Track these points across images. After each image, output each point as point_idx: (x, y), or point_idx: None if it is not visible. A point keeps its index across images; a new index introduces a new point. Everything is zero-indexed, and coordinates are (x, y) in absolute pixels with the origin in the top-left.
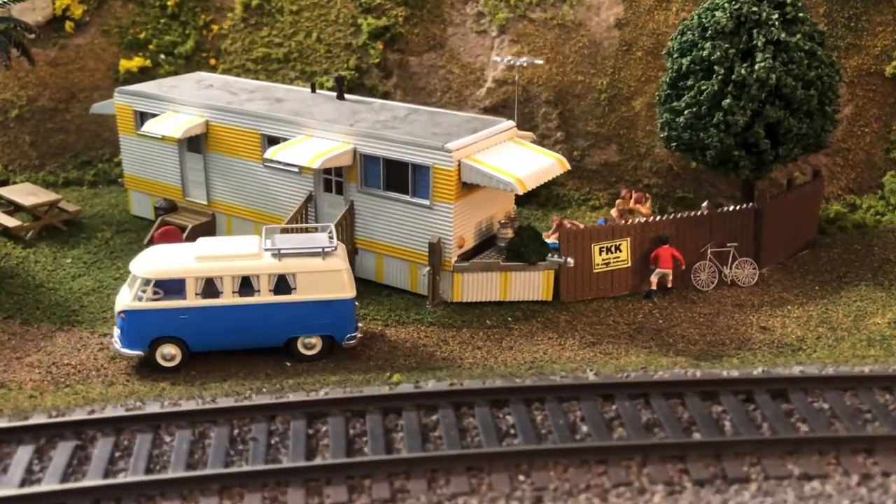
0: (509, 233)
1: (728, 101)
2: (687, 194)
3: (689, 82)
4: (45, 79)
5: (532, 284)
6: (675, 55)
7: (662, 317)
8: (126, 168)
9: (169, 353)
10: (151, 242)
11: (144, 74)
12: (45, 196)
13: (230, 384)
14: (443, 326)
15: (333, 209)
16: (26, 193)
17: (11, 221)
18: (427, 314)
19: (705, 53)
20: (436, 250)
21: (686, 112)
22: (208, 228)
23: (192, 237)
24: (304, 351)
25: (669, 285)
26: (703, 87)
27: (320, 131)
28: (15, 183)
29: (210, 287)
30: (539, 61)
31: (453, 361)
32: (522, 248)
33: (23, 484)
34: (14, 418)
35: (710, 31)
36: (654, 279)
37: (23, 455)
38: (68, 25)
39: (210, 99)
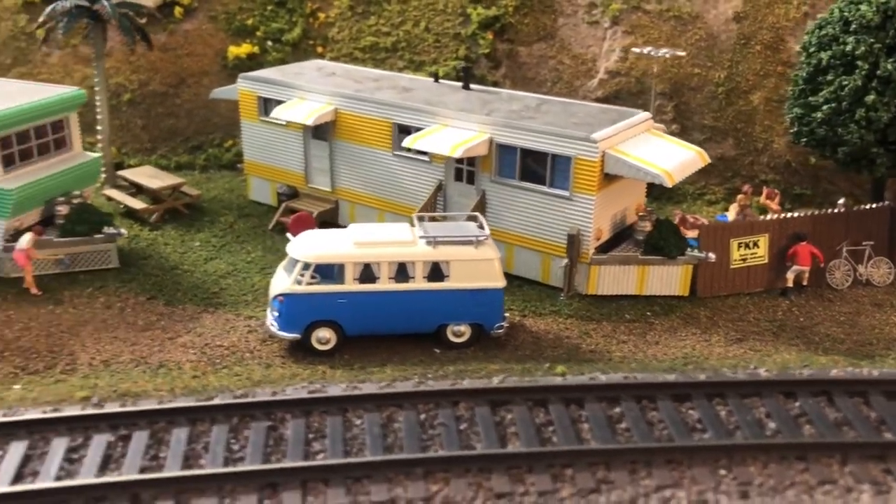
0: (647, 226)
1: (872, 97)
2: (805, 191)
3: (829, 77)
4: (155, 63)
5: (669, 279)
6: (813, 49)
7: (803, 314)
8: (246, 153)
9: (324, 337)
10: (285, 229)
11: (252, 61)
12: (169, 179)
13: (391, 369)
14: (581, 319)
15: (464, 199)
16: (149, 176)
17: (138, 204)
18: (563, 306)
19: (848, 48)
20: (574, 242)
21: (825, 107)
22: (332, 215)
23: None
24: (453, 338)
25: (805, 283)
26: (845, 83)
27: (455, 121)
28: (130, 166)
29: (367, 272)
30: (681, 53)
31: (602, 355)
32: (662, 242)
33: (226, 463)
34: (194, 398)
35: (853, 26)
36: (790, 276)
37: (219, 434)
38: (178, 11)
39: (338, 87)
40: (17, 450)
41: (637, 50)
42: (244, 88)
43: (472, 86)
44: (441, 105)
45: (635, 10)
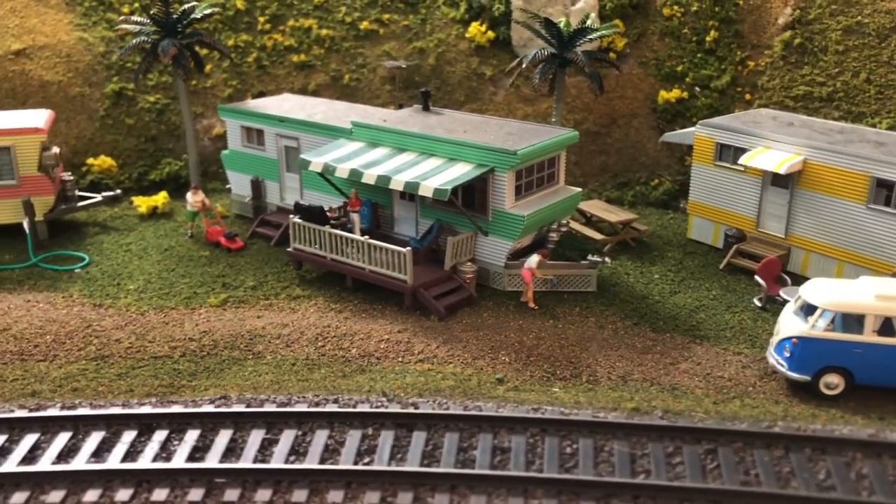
0: None
1: None
2: None
3: None
4: (589, 105)
5: None
6: None
7: None
8: (692, 194)
9: (832, 382)
10: (741, 269)
11: (680, 105)
12: (623, 214)
13: None
14: None
15: None
16: (603, 210)
17: (596, 234)
18: None
19: None
20: None
21: None
22: (783, 261)
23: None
24: None
25: None
26: None
27: None
28: None
29: (887, 325)
30: None
31: None
32: None
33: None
34: (731, 423)
35: None
36: None
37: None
38: (611, 56)
39: (807, 138)
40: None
41: None
42: (702, 134)
43: None
44: None
45: None
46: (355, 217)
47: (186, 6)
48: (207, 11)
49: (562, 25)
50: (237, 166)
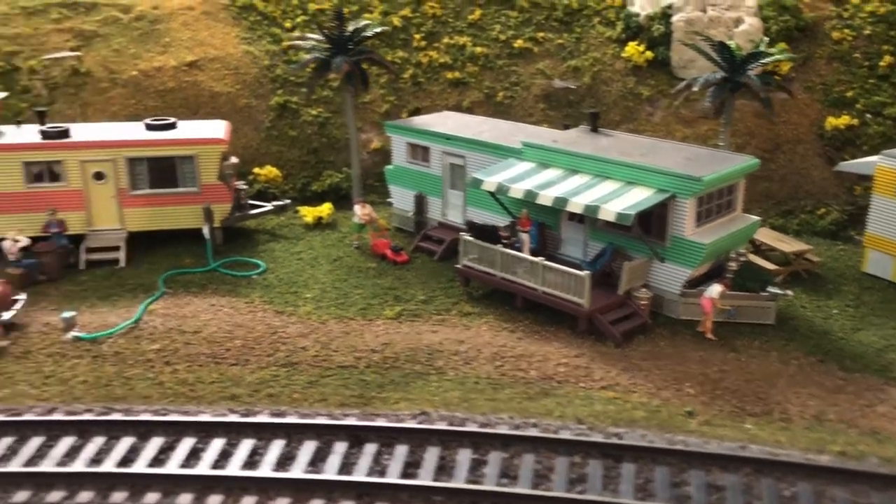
0: None
1: None
2: None
3: None
4: (752, 129)
5: None
6: None
7: None
8: (870, 227)
9: None
10: None
11: (850, 132)
12: (797, 244)
13: None
14: None
15: None
16: (776, 239)
17: (768, 264)
18: None
19: None
20: None
21: None
22: None
23: None
24: None
25: None
26: None
27: None
28: None
29: None
30: None
31: None
32: None
33: None
34: None
35: None
36: None
37: None
38: (776, 80)
39: None
40: None
41: None
42: (885, 165)
43: None
44: None
45: None
46: (525, 237)
47: (359, 24)
48: (378, 29)
49: (733, 48)
50: (400, 181)
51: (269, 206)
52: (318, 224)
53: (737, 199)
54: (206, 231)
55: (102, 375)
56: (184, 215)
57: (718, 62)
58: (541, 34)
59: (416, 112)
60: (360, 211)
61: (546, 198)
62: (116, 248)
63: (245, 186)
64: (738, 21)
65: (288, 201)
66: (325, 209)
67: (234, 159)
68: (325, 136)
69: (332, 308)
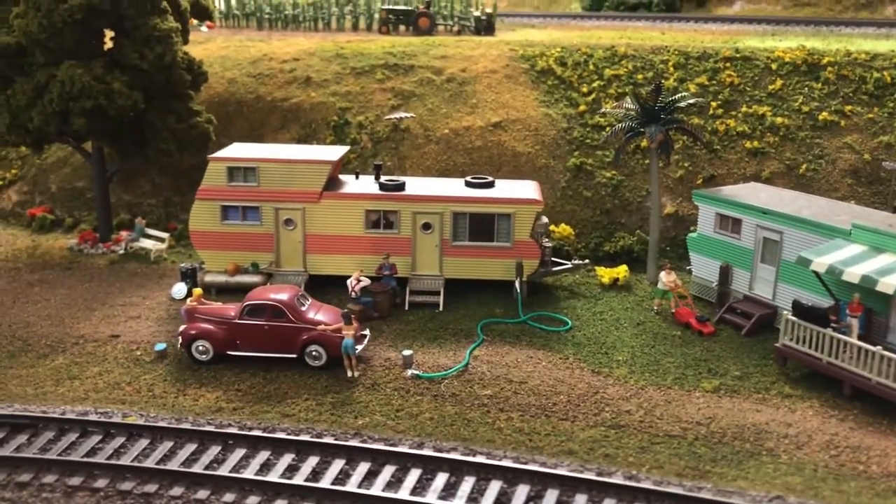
0: None
1: None
2: None
3: None
4: None
5: None
6: None
7: None
8: None
9: None
10: None
11: None
12: None
13: None
14: None
15: None
16: None
17: None
18: None
19: None
20: None
21: None
22: None
23: None
24: None
25: None
26: None
27: None
28: None
29: None
30: None
31: None
32: None
33: None
34: None
35: None
36: None
37: None
38: None
39: None
40: None
41: None
42: None
43: None
44: None
45: None
46: (854, 322)
47: (675, 95)
48: (691, 101)
49: None
50: (705, 250)
51: (569, 265)
52: (614, 285)
53: None
54: (517, 285)
55: (445, 415)
56: (496, 267)
57: None
58: (848, 107)
59: (712, 179)
60: (666, 277)
61: (887, 286)
62: (437, 293)
63: (550, 244)
64: None
65: (587, 261)
66: (622, 271)
67: (545, 219)
68: (618, 198)
69: (647, 374)
